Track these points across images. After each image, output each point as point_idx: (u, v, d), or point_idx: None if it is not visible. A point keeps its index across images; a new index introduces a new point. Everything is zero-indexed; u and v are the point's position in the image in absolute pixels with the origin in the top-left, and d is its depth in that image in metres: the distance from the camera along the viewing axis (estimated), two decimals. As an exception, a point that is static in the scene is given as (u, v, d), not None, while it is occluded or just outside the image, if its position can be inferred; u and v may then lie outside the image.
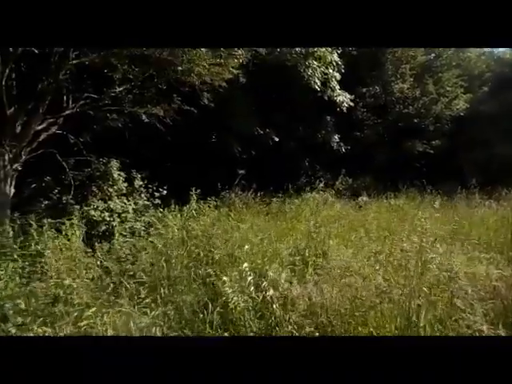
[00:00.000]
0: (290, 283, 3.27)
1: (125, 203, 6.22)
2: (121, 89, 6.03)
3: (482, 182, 10.18)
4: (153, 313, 2.78)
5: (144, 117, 6.08)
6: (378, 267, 3.48)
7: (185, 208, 6.64)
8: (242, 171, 7.57)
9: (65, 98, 6.13)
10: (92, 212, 5.57)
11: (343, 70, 11.45)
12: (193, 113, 8.13)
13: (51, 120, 5.67)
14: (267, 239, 4.73)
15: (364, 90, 14.20)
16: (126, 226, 5.84)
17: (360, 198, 11.05)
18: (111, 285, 3.37)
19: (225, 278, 2.82)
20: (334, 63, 9.81)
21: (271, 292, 2.76)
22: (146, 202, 6.69)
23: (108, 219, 5.54)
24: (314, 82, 9.69)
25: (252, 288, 2.81)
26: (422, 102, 13.94)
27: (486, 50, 16.19)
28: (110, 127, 6.32)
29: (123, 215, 5.90)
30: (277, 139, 10.93)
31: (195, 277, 3.60)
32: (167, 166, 7.84)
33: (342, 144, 12.88)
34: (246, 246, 3.94)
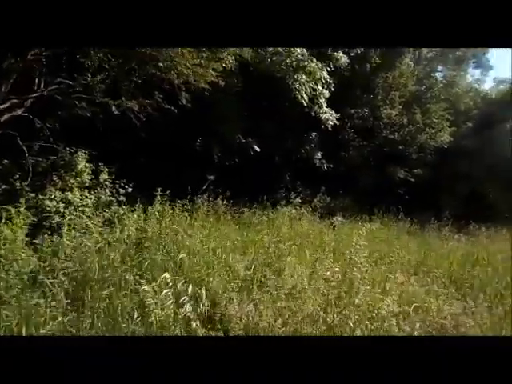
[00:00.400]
0: (230, 299, 3.09)
1: (86, 196, 5.96)
2: (98, 78, 5.82)
3: (455, 215, 10.26)
4: (60, 318, 2.54)
5: (114, 108, 5.84)
6: (324, 292, 3.33)
7: (149, 208, 6.44)
8: (211, 177, 7.36)
9: (36, 80, 5.88)
10: (47, 202, 5.30)
11: (333, 89, 11.50)
12: (173, 112, 7.95)
13: (16, 101, 5.41)
14: (223, 249, 4.55)
15: (353, 111, 14.30)
16: (83, 221, 5.57)
17: (335, 218, 10.96)
18: (31, 281, 3.11)
19: (146, 288, 2.60)
20: (323, 80, 9.80)
21: (188, 308, 2.56)
22: (110, 198, 6.45)
23: (62, 211, 5.27)
24: (302, 96, 9.66)
25: (171, 301, 2.59)
26: (407, 130, 14.11)
27: (473, 86, 16.59)
28: (78, 116, 6.07)
29: (81, 209, 5.64)
30: (258, 149, 10.82)
31: (134, 282, 3.38)
32: (139, 162, 7.60)
33: (324, 161, 12.85)
34: (183, 255, 3.73)
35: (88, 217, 5.64)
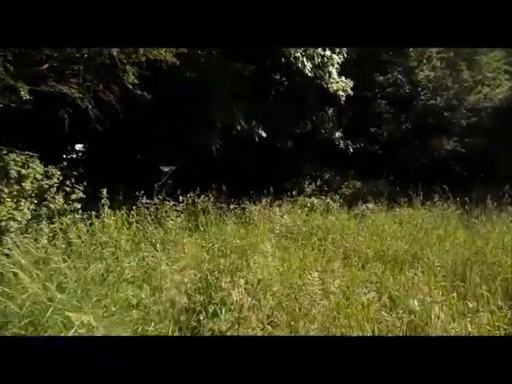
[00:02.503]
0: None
1: (20, 209, 4.92)
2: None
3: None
4: None
5: (23, 93, 4.60)
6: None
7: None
8: (168, 168, 5.94)
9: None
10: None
11: (347, 54, 9.49)
12: (145, 97, 6.73)
13: None
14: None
15: (382, 78, 12.11)
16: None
17: (364, 206, 9.08)
18: None
19: None
20: None
21: None
22: (59, 206, 5.39)
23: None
24: (303, 64, 7.92)
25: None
26: (453, 92, 11.57)
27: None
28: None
29: (3, 224, 4.59)
30: (264, 134, 9.23)
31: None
32: (101, 161, 6.44)
33: (349, 142, 10.91)
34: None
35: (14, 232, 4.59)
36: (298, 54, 7.58)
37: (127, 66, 5.11)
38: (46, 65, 5.57)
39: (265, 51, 8.26)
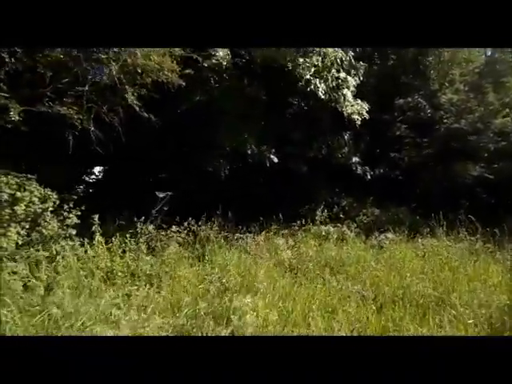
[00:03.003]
0: None
1: (7, 235, 4.65)
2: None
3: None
4: None
5: (13, 113, 4.40)
6: None
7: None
8: (163, 194, 5.59)
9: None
10: None
11: (361, 77, 9.09)
12: (151, 120, 6.53)
13: None
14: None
15: (402, 101, 11.65)
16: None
17: (383, 235, 8.44)
18: None
19: None
20: (339, 61, 7.60)
21: None
22: (52, 232, 5.10)
23: None
24: (316, 85, 7.59)
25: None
26: (478, 115, 10.94)
27: None
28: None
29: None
30: (276, 160, 8.84)
31: None
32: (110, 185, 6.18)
33: (367, 168, 10.37)
34: None
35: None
36: (309, 76, 7.26)
37: (128, 87, 4.90)
38: (50, 86, 5.50)
39: (278, 73, 8.02)
